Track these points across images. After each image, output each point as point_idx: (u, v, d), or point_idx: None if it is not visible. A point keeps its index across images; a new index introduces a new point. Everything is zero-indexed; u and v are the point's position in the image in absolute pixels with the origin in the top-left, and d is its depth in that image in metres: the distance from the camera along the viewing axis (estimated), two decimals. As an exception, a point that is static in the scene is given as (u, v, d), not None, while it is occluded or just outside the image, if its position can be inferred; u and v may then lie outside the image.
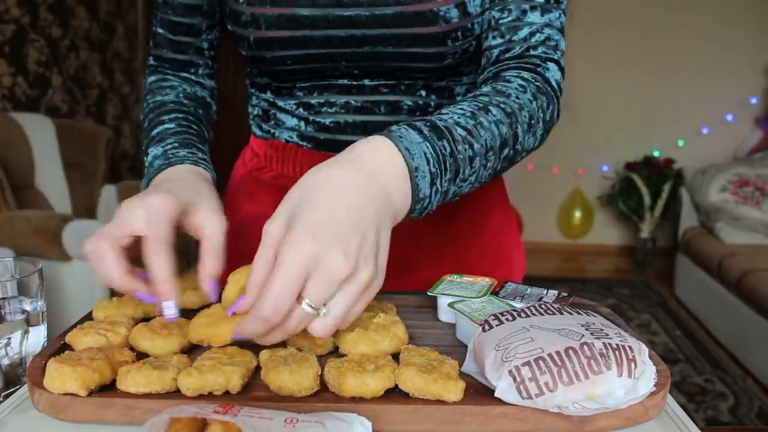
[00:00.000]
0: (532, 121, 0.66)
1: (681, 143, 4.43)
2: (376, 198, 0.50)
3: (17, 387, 0.60)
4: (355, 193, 0.49)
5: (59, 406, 0.49)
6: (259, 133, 0.89)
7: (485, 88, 0.67)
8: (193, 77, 0.86)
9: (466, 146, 0.58)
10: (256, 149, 0.90)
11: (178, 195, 0.61)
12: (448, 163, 0.56)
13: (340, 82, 0.80)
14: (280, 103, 0.84)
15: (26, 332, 0.62)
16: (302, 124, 0.83)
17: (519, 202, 0.93)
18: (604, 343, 0.48)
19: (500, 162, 0.63)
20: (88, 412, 0.49)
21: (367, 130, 0.81)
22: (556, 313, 0.55)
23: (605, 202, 4.53)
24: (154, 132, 0.75)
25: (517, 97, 0.65)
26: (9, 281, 0.63)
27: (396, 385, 0.51)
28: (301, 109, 0.83)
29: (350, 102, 0.81)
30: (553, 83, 0.71)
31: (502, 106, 0.63)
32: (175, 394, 0.50)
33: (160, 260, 0.56)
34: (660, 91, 4.39)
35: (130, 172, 4.40)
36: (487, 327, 0.54)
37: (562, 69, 0.73)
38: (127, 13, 4.35)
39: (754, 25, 4.23)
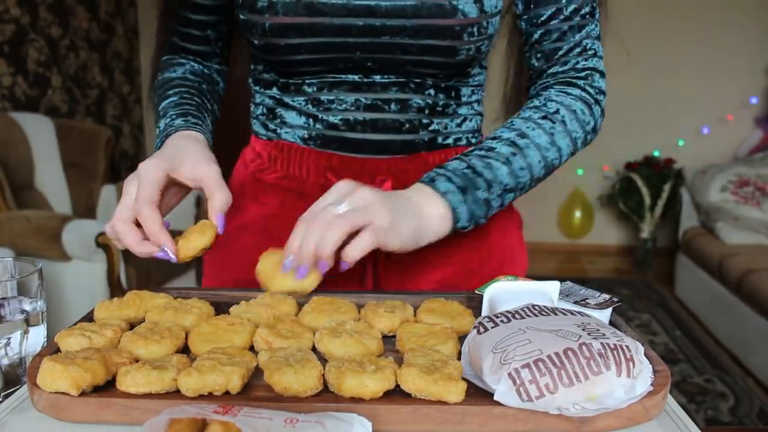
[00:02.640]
0: (572, 131, 0.78)
1: (681, 143, 4.43)
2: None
3: (17, 387, 0.60)
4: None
5: (59, 406, 0.49)
6: (263, 132, 0.88)
7: (527, 113, 0.78)
8: (201, 60, 0.91)
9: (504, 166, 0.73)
10: (258, 150, 0.88)
11: (164, 157, 0.69)
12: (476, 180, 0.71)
13: (350, 78, 0.80)
14: (287, 101, 0.84)
15: (26, 332, 0.62)
16: (310, 121, 0.83)
17: (519, 202, 0.93)
18: (602, 344, 0.48)
19: (545, 169, 0.78)
20: (87, 413, 0.49)
21: (377, 127, 0.82)
22: (550, 314, 0.54)
23: (605, 202, 4.53)
24: (160, 107, 0.82)
25: (556, 111, 0.77)
26: (9, 281, 0.63)
27: (396, 386, 0.51)
28: (309, 106, 0.83)
29: (360, 99, 0.81)
30: (592, 90, 0.80)
31: (543, 124, 0.76)
32: (175, 394, 0.50)
33: (150, 217, 0.66)
34: (660, 91, 4.38)
35: (130, 172, 4.40)
36: (481, 329, 0.53)
37: (601, 72, 0.81)
38: (127, 13, 4.35)
39: (755, 26, 4.23)
